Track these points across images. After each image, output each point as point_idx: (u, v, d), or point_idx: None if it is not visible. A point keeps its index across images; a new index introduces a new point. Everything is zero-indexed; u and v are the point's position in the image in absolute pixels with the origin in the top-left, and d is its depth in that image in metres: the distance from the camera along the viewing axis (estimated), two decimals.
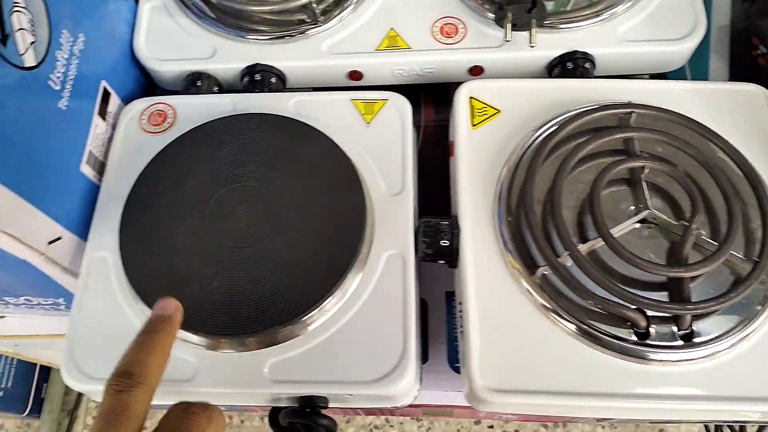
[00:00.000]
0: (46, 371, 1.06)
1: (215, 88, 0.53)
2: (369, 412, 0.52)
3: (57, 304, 0.51)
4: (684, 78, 0.57)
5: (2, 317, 0.61)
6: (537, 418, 0.53)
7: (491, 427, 0.99)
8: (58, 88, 0.43)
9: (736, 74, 0.57)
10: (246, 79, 0.52)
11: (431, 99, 0.59)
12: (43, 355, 0.91)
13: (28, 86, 0.40)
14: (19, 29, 0.39)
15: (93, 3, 0.48)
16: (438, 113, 0.59)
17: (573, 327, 0.40)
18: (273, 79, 0.52)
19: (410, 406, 0.44)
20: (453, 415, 0.55)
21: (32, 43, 0.41)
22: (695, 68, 0.57)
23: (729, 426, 0.57)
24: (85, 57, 0.47)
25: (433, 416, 0.53)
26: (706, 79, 0.56)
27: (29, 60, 0.40)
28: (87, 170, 0.47)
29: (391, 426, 1.00)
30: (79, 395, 1.09)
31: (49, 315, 0.55)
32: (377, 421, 1.01)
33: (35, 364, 1.02)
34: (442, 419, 0.98)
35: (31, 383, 1.03)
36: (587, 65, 0.51)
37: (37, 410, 1.03)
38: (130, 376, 0.30)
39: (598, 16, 0.51)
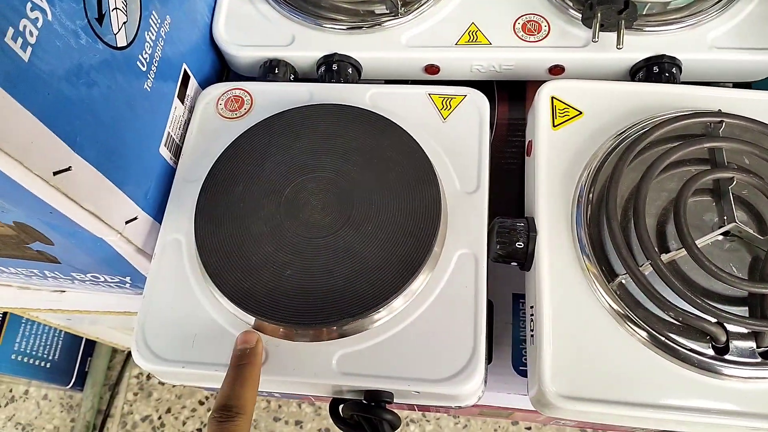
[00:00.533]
0: (91, 346, 1.09)
1: (291, 77, 0.53)
2: (424, 408, 0.52)
3: (123, 282, 0.52)
4: None
5: (63, 291, 0.63)
6: (590, 425, 0.52)
7: (529, 428, 0.98)
8: (144, 69, 0.44)
9: None
10: (322, 69, 0.52)
11: (506, 94, 0.58)
12: (89, 330, 0.94)
13: (118, 66, 0.41)
14: (114, 9, 0.40)
15: None
16: (512, 111, 0.59)
17: (649, 337, 0.39)
18: (349, 70, 0.52)
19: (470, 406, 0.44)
20: (510, 417, 0.54)
21: (124, 23, 0.41)
22: None
23: None
24: (169, 39, 0.47)
25: (489, 416, 0.53)
26: None
27: (121, 40, 0.41)
28: (165, 152, 0.48)
29: (428, 421, 1.00)
30: (122, 371, 1.12)
31: (111, 292, 0.56)
32: (414, 414, 1.02)
33: (81, 339, 1.05)
34: (479, 419, 0.98)
35: (77, 357, 1.06)
36: (674, 70, 0.49)
37: (80, 383, 1.07)
38: (230, 408, 0.36)
39: (687, 20, 0.50)
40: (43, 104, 0.34)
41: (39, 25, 0.33)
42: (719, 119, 0.44)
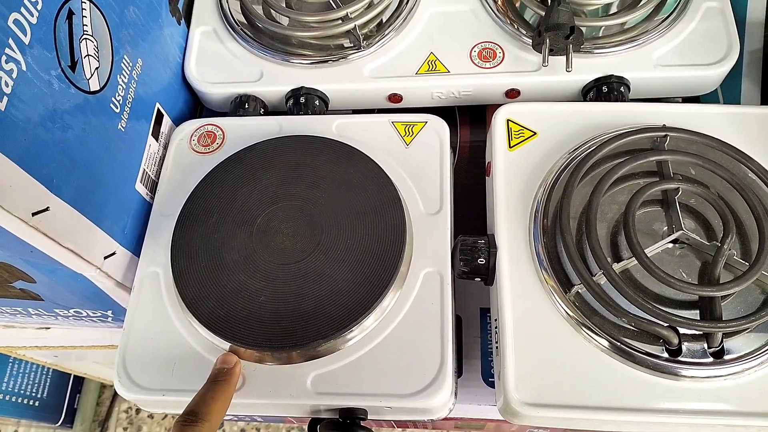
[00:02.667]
0: (79, 382, 1.10)
1: (261, 110, 0.56)
2: (401, 424, 0.54)
3: (105, 316, 0.54)
4: (716, 101, 0.58)
5: (48, 328, 0.64)
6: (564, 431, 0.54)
7: None
8: (118, 110, 0.46)
9: None
10: (291, 102, 0.55)
11: (467, 119, 0.61)
12: (77, 366, 0.94)
13: (92, 109, 0.43)
14: (86, 55, 0.42)
15: (150, 29, 0.51)
16: (473, 133, 0.61)
17: (606, 344, 0.41)
18: (317, 102, 0.55)
19: (444, 419, 0.45)
20: (484, 429, 0.56)
21: (96, 68, 0.44)
22: (727, 91, 0.58)
23: None
24: (142, 80, 0.50)
25: (464, 430, 0.55)
26: (738, 102, 0.57)
27: (94, 84, 0.43)
28: (141, 188, 0.50)
29: None
30: (110, 406, 1.13)
31: (95, 327, 0.58)
32: None
33: (69, 375, 1.06)
34: None
35: (65, 394, 1.06)
36: (622, 89, 0.52)
37: (69, 421, 1.07)
38: (195, 414, 0.38)
39: (633, 41, 0.53)
40: (19, 149, 0.36)
41: (14, 75, 0.35)
42: (664, 133, 0.46)
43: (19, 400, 0.97)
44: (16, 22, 0.36)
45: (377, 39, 0.55)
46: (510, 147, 0.49)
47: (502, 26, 0.55)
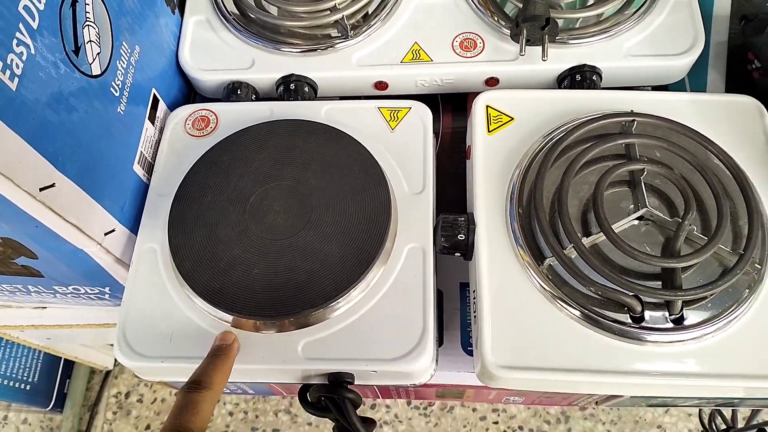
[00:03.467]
0: (69, 367, 1.11)
1: (253, 96, 0.58)
2: (386, 392, 0.57)
3: (102, 293, 0.56)
4: (684, 90, 0.61)
5: (44, 308, 0.66)
6: (541, 401, 0.57)
7: (496, 422, 1.03)
8: (117, 94, 0.49)
9: (732, 87, 0.61)
10: (281, 88, 0.57)
11: (449, 107, 0.64)
12: (68, 349, 0.96)
13: (94, 92, 0.45)
14: (89, 41, 0.45)
15: (147, 17, 0.54)
16: (455, 120, 0.64)
17: (576, 312, 0.44)
18: (306, 88, 0.57)
19: (426, 385, 0.49)
20: (464, 397, 0.59)
21: (98, 53, 0.46)
22: (694, 81, 0.61)
23: (721, 414, 0.62)
24: (139, 66, 0.52)
25: (446, 398, 0.58)
26: (704, 91, 0.61)
27: (96, 69, 0.46)
28: (138, 170, 0.52)
29: (400, 422, 1.04)
30: (100, 391, 1.15)
31: (91, 305, 0.60)
32: (386, 416, 1.06)
33: (59, 360, 1.07)
34: (449, 416, 1.02)
35: (56, 379, 1.08)
36: (594, 77, 0.55)
37: (59, 405, 1.08)
38: (199, 383, 0.40)
39: (605, 32, 0.56)
40: (29, 128, 0.38)
41: (24, 58, 0.38)
42: (631, 118, 0.50)
43: (10, 384, 0.99)
44: (26, 8, 0.38)
45: (364, 29, 0.58)
46: (489, 131, 0.52)
47: (482, 17, 0.58)
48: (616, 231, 0.45)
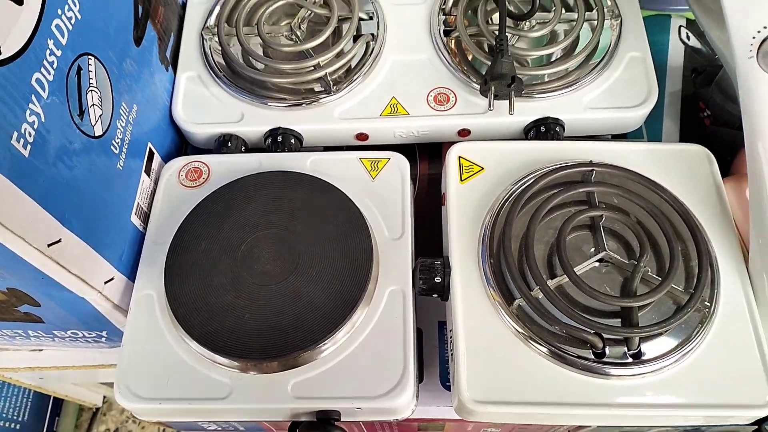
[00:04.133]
0: (58, 405, 1.12)
1: (242, 148, 0.62)
2: (371, 427, 0.60)
3: (99, 336, 0.59)
4: (641, 136, 0.67)
5: (41, 350, 0.69)
6: (516, 431, 0.61)
7: None
8: (117, 151, 0.52)
9: (686, 133, 0.67)
10: (269, 140, 0.61)
11: (426, 154, 0.69)
12: (57, 387, 0.98)
13: (96, 151, 0.49)
14: (92, 105, 0.49)
15: (143, 77, 0.58)
16: (431, 166, 0.69)
17: (544, 349, 0.48)
18: (292, 140, 0.61)
19: (408, 420, 0.52)
20: (444, 429, 0.63)
21: (100, 115, 0.50)
22: (650, 128, 0.66)
23: None
24: (136, 123, 0.56)
25: (427, 431, 0.61)
26: (660, 137, 0.66)
27: (98, 130, 0.49)
28: (135, 220, 0.56)
29: None
30: (89, 429, 1.16)
31: (86, 347, 0.63)
32: None
33: (48, 399, 1.09)
34: None
35: (45, 417, 1.09)
36: (558, 128, 0.60)
37: None
38: None
39: (567, 87, 0.61)
40: (39, 189, 0.42)
41: (35, 126, 0.41)
42: (591, 168, 0.54)
43: (1, 423, 1.00)
44: (38, 80, 0.42)
45: (345, 84, 0.63)
46: (461, 180, 0.56)
47: (454, 73, 0.63)
48: (579, 272, 0.49)
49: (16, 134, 0.39)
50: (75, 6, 0.46)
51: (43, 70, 0.42)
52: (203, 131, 0.62)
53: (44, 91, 0.43)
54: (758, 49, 0.49)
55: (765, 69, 0.49)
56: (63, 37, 0.45)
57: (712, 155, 0.57)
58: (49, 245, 0.43)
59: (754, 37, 0.49)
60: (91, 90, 0.49)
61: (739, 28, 0.50)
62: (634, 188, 0.54)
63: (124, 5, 0.55)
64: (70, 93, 0.46)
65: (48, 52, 0.43)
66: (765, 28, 0.49)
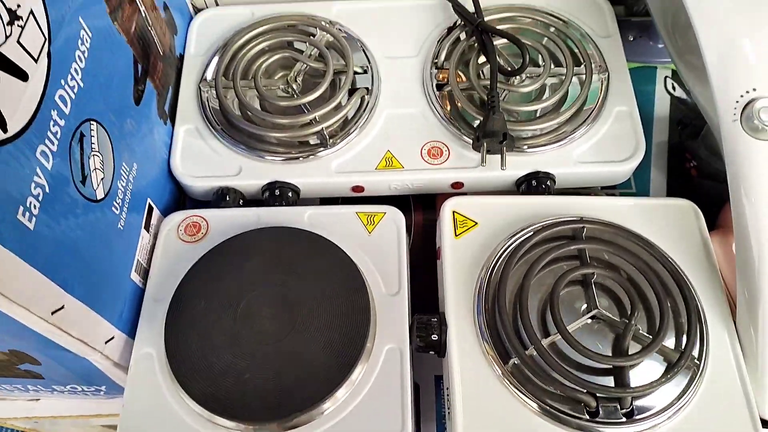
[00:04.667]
0: None
1: (240, 201, 0.63)
2: None
3: (98, 391, 0.59)
4: (630, 186, 0.68)
5: (38, 400, 0.69)
6: None
7: None
8: (117, 211, 0.53)
9: (673, 182, 0.69)
10: (267, 193, 0.62)
11: (420, 203, 0.70)
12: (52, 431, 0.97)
13: (98, 215, 0.50)
14: (94, 169, 0.49)
15: (143, 133, 0.59)
16: (426, 214, 0.70)
17: (537, 407, 0.49)
18: (290, 193, 0.62)
19: None
20: None
21: (102, 179, 0.51)
22: (638, 178, 0.68)
23: None
24: (136, 180, 0.57)
25: None
26: (648, 187, 0.68)
27: (100, 193, 0.50)
28: (135, 277, 0.56)
29: None
30: None
31: (86, 399, 0.63)
32: None
33: None
34: None
35: None
36: (548, 182, 0.62)
37: None
38: None
39: (557, 141, 0.63)
40: (43, 259, 0.42)
41: (40, 198, 0.42)
42: (581, 225, 0.56)
43: None
44: (43, 153, 0.43)
45: (341, 137, 0.64)
46: (456, 235, 0.57)
47: (447, 127, 0.64)
48: (572, 329, 0.51)
49: (21, 209, 0.40)
50: (77, 74, 0.47)
51: (47, 141, 0.43)
52: (201, 185, 0.63)
53: (48, 163, 0.43)
54: (742, 112, 0.51)
55: (749, 132, 0.51)
56: (66, 107, 0.46)
57: (699, 210, 0.59)
58: (52, 313, 0.44)
59: (737, 101, 0.51)
60: (93, 155, 0.49)
61: (723, 92, 0.52)
62: (624, 244, 0.55)
63: (125, 67, 0.56)
64: (73, 160, 0.47)
65: (52, 123, 0.44)
66: (747, 92, 0.51)
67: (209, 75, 0.68)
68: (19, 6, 0.40)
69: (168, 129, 0.65)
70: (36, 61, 0.42)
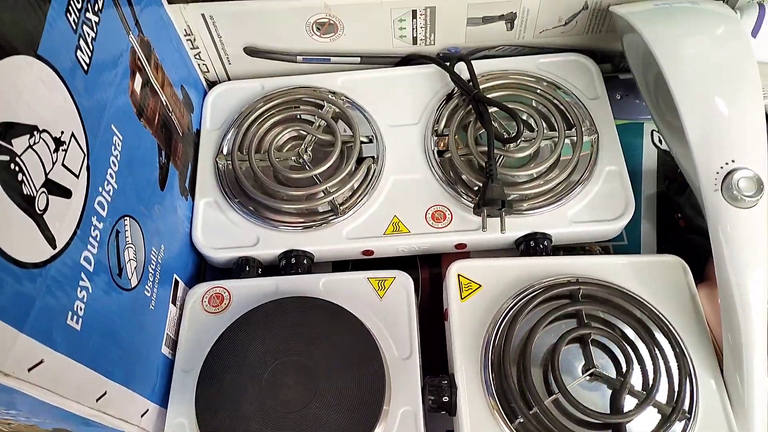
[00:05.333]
0: None
1: (259, 270, 0.68)
2: None
3: None
4: (622, 239, 0.73)
5: None
6: None
7: None
8: (149, 294, 0.58)
9: (662, 233, 0.73)
10: (284, 261, 0.67)
11: (427, 261, 0.75)
12: None
13: (132, 301, 0.54)
14: (129, 260, 0.54)
15: (168, 214, 0.63)
16: (432, 269, 0.74)
17: None
18: (305, 261, 0.67)
19: None
20: None
21: (135, 267, 0.55)
22: (630, 231, 0.72)
23: None
24: (164, 261, 0.61)
25: None
26: (639, 240, 0.72)
27: (134, 281, 0.55)
28: (165, 350, 0.61)
29: None
30: None
31: None
32: None
33: None
34: None
35: None
36: (546, 242, 0.66)
37: None
38: None
39: (553, 203, 0.67)
40: (89, 354, 0.47)
41: (85, 300, 0.47)
42: (577, 287, 0.60)
43: None
44: (86, 257, 0.47)
45: (351, 205, 0.68)
46: (462, 298, 0.62)
47: (448, 192, 0.69)
48: (572, 386, 0.55)
49: (70, 314, 0.45)
50: (112, 178, 0.52)
51: (89, 246, 0.48)
52: (222, 255, 0.68)
53: (90, 265, 0.48)
54: (722, 183, 0.56)
55: (729, 201, 0.55)
56: (104, 210, 0.50)
57: (687, 265, 0.63)
58: (97, 400, 0.48)
59: (717, 172, 0.56)
60: (128, 247, 0.54)
61: (705, 164, 0.57)
62: (617, 302, 0.60)
63: (151, 158, 0.61)
64: (111, 256, 0.51)
65: (92, 228, 0.49)
66: (727, 164, 0.56)
67: (225, 149, 0.73)
68: (63, 132, 0.45)
69: (189, 203, 0.70)
70: (77, 177, 0.47)
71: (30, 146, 0.41)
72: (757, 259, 0.55)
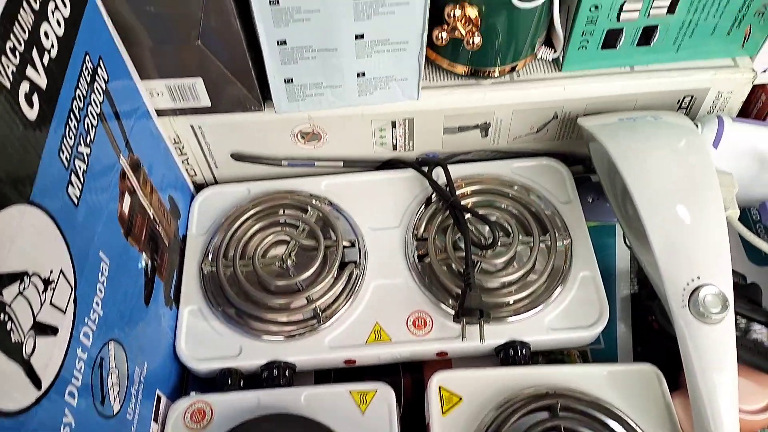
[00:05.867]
0: None
1: (241, 382, 0.68)
2: None
3: None
4: (599, 342, 0.74)
5: None
6: None
7: None
8: (131, 417, 0.58)
9: (638, 336, 0.75)
10: (266, 373, 0.68)
11: (408, 372, 0.75)
12: None
13: (114, 428, 0.54)
14: (112, 386, 0.54)
15: (152, 329, 0.64)
16: (413, 378, 0.75)
17: None
18: (287, 372, 0.68)
19: None
20: None
21: (118, 391, 0.56)
22: (606, 335, 0.74)
23: None
24: (147, 378, 0.62)
25: None
26: (615, 343, 0.74)
27: (116, 407, 0.55)
28: None
29: None
30: None
31: None
32: None
33: None
34: None
35: None
36: (524, 350, 0.68)
37: None
38: None
39: (530, 309, 0.69)
40: None
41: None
42: (555, 400, 0.62)
43: None
44: (70, 393, 0.48)
45: (333, 312, 0.70)
46: (443, 413, 0.63)
47: (429, 297, 0.71)
48: None
49: None
50: (98, 306, 0.53)
51: (73, 380, 0.48)
52: (206, 367, 0.68)
53: (74, 399, 0.48)
54: (689, 299, 0.58)
55: (696, 317, 0.58)
56: (89, 340, 0.51)
57: (661, 374, 0.65)
58: None
59: (684, 288, 0.58)
60: (111, 372, 0.55)
61: (671, 278, 0.59)
62: (595, 415, 0.61)
63: (137, 276, 0.62)
64: (94, 385, 0.52)
65: (77, 360, 0.49)
66: (693, 280, 0.58)
67: (210, 255, 0.74)
68: (51, 272, 0.46)
69: (173, 312, 0.71)
70: (64, 312, 0.48)
71: (20, 293, 0.42)
72: (725, 369, 0.57)
